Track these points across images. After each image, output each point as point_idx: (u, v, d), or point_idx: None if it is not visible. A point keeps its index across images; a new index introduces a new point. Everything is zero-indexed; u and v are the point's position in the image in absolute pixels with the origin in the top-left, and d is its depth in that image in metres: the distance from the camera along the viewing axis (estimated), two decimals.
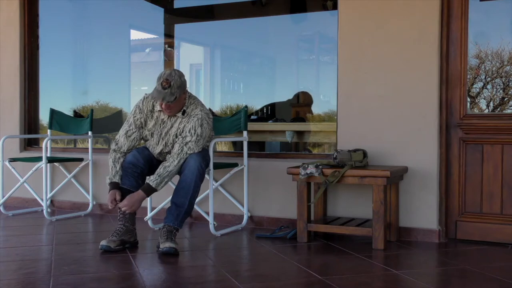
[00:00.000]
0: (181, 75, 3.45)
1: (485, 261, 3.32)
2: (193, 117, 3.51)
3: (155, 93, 3.40)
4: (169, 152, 3.60)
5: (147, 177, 3.54)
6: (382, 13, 3.88)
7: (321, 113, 6.58)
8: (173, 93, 3.37)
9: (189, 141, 3.47)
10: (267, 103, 6.42)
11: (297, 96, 6.45)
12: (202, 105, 3.62)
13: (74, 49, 6.83)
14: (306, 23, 6.82)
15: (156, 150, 3.64)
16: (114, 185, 3.52)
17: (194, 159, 3.47)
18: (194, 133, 3.47)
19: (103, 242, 3.42)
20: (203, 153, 3.58)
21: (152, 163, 3.63)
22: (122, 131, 3.61)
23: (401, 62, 3.84)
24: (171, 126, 3.56)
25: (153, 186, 3.42)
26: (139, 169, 3.54)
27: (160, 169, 3.45)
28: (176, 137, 3.54)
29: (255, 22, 6.70)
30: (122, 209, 3.44)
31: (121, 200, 3.46)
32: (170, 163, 3.45)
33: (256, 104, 6.65)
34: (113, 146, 3.61)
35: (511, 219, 3.67)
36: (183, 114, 3.53)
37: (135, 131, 3.60)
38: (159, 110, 3.55)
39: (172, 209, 3.47)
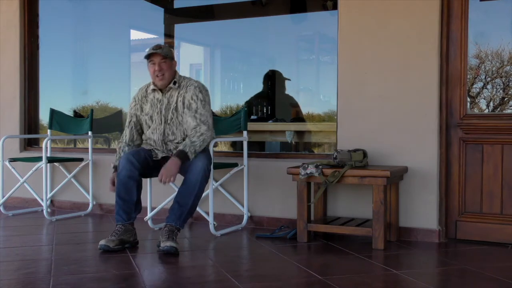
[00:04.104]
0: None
1: (485, 261, 3.32)
2: (189, 86, 3.66)
3: (148, 55, 3.61)
4: (173, 134, 3.64)
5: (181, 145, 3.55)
6: (382, 13, 3.88)
7: (321, 113, 6.58)
8: (165, 51, 3.61)
9: (197, 108, 3.59)
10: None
11: (268, 76, 6.35)
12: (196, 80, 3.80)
13: (74, 49, 6.83)
14: (306, 23, 6.82)
15: (159, 132, 3.66)
16: (115, 169, 3.64)
17: (201, 160, 3.48)
18: (197, 99, 3.61)
19: (102, 242, 3.42)
20: (208, 154, 3.60)
21: (148, 165, 3.62)
22: (125, 125, 3.83)
23: (401, 62, 3.84)
24: (168, 102, 3.66)
25: (186, 150, 3.46)
26: (136, 181, 3.53)
27: (187, 141, 3.52)
28: (177, 111, 3.62)
29: (255, 22, 6.70)
30: (162, 180, 3.43)
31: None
32: (194, 134, 3.53)
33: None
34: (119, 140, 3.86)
35: (511, 219, 3.67)
36: (174, 84, 3.65)
37: (131, 119, 3.78)
38: (152, 89, 3.69)
39: (175, 209, 3.47)
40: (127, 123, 3.81)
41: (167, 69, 3.62)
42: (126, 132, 3.79)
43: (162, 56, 3.59)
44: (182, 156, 3.44)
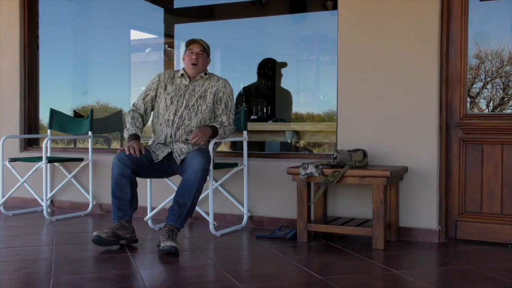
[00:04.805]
0: None
1: (485, 261, 3.32)
2: (225, 83, 3.83)
3: (188, 43, 3.80)
4: (190, 119, 3.70)
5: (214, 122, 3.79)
6: (382, 13, 3.88)
7: (321, 113, 6.57)
8: (206, 45, 3.82)
9: (231, 108, 3.82)
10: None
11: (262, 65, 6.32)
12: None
13: (74, 49, 6.83)
14: (306, 23, 6.82)
15: (177, 114, 3.70)
16: (134, 136, 3.67)
17: (198, 159, 3.49)
18: (230, 98, 3.84)
19: (95, 233, 3.42)
20: (206, 154, 3.60)
21: (143, 164, 3.60)
22: (140, 97, 3.86)
23: (401, 62, 3.84)
24: (194, 89, 3.77)
25: (220, 131, 3.73)
26: (129, 178, 3.53)
27: (221, 125, 3.76)
28: (203, 99, 3.73)
29: (255, 22, 6.69)
30: (195, 140, 3.59)
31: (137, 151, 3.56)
32: (228, 126, 3.80)
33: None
34: (131, 108, 3.85)
35: (511, 219, 3.68)
36: (205, 74, 3.82)
37: (149, 93, 3.85)
38: (181, 74, 3.80)
39: (175, 209, 3.47)
40: (142, 95, 3.84)
41: (202, 62, 3.79)
42: (140, 104, 3.82)
43: (202, 48, 3.78)
44: (214, 130, 3.71)
